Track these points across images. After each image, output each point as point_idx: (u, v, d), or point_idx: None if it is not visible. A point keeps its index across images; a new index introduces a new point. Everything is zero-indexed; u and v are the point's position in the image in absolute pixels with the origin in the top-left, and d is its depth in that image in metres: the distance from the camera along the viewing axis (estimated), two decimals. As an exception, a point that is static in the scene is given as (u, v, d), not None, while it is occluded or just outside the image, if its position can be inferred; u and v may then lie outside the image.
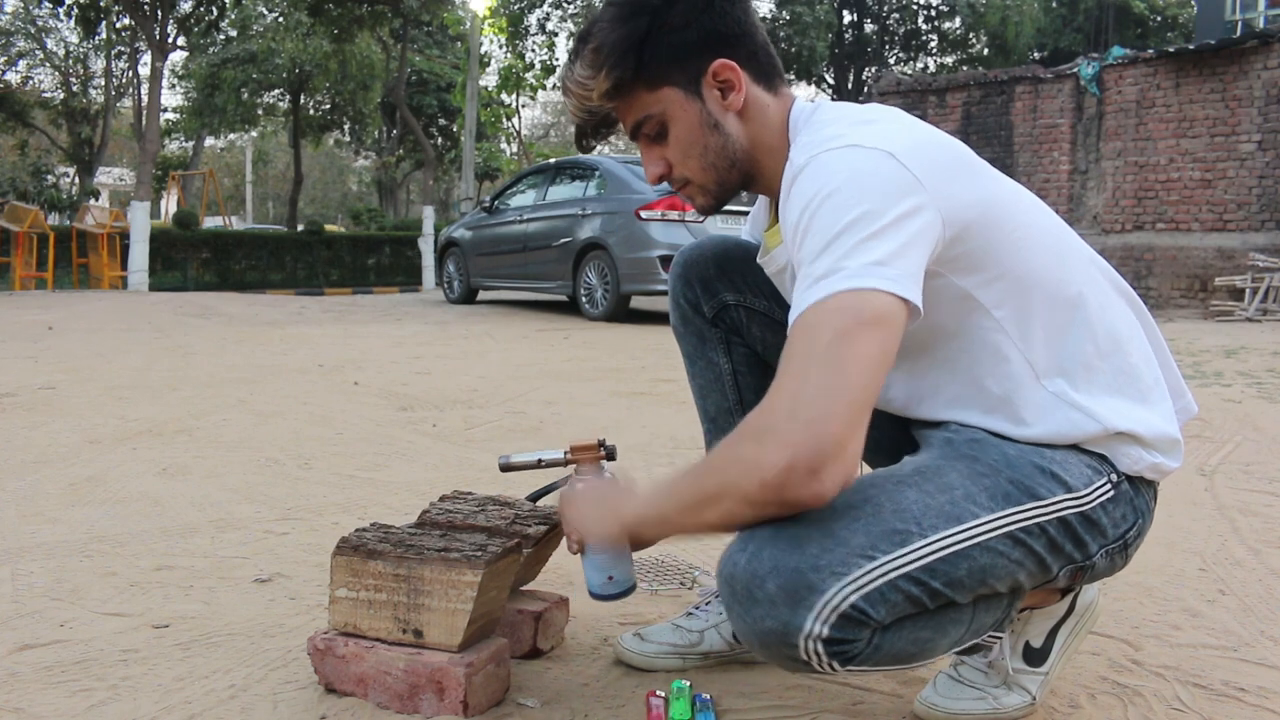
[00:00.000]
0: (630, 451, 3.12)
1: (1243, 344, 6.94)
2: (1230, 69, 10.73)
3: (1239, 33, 14.10)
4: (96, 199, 25.56)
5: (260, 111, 30.65)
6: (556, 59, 23.34)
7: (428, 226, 17.45)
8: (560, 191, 9.51)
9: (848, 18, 28.71)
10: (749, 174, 1.26)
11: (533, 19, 24.03)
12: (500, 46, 24.66)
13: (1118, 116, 11.61)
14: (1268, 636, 1.67)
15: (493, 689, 1.35)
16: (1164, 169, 11.28)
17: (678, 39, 1.19)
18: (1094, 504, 1.15)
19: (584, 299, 8.76)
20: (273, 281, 21.13)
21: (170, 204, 25.85)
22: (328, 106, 31.30)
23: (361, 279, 22.81)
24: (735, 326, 1.48)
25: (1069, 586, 1.28)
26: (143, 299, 10.92)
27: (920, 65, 30.08)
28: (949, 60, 29.70)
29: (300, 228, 26.40)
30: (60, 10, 16.48)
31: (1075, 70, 12.00)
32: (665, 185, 1.31)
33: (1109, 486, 1.17)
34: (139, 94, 28.18)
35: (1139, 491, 1.21)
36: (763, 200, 1.44)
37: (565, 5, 24.14)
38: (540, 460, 1.43)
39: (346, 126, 32.47)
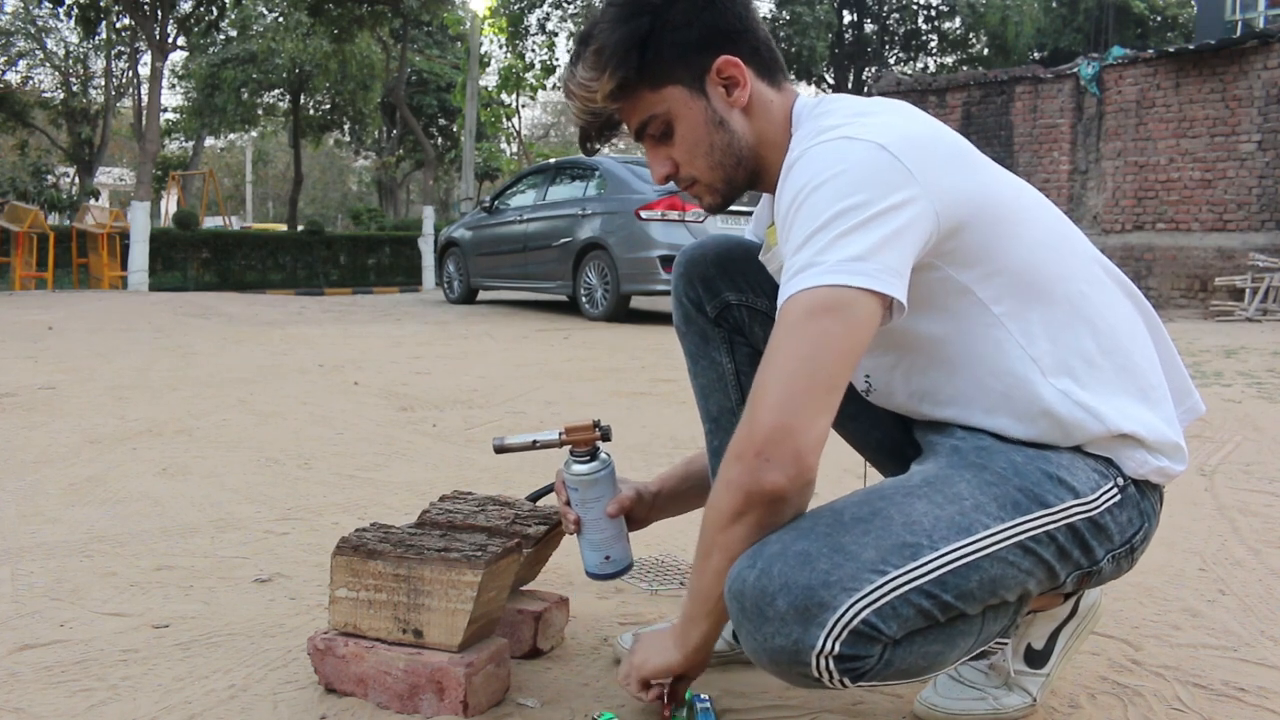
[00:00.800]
0: (630, 451, 3.12)
1: (1243, 344, 6.94)
2: (1230, 69, 10.73)
3: (1239, 33, 14.10)
4: (96, 199, 25.54)
5: (260, 111, 30.65)
6: (556, 59, 23.33)
7: (428, 226, 17.45)
8: (560, 191, 9.51)
9: (848, 18, 28.70)
10: (755, 170, 1.25)
11: (533, 19, 24.02)
12: (500, 46, 24.66)
13: (1118, 116, 11.61)
14: (1268, 636, 1.67)
15: (493, 689, 1.35)
16: (1164, 169, 11.27)
17: (680, 37, 1.18)
18: (1101, 509, 1.15)
19: (584, 299, 8.76)
20: (273, 281, 21.12)
21: (170, 204, 25.83)
22: (328, 106, 31.30)
23: (361, 279, 22.80)
24: (738, 326, 1.48)
25: (1073, 590, 1.27)
26: (143, 299, 10.92)
27: (920, 65, 30.08)
28: (949, 60, 29.69)
29: (300, 228, 26.41)
30: (60, 10, 16.47)
31: (1075, 70, 12.00)
32: (666, 185, 1.31)
33: (1115, 491, 1.16)
34: (139, 94, 28.17)
35: (1145, 495, 1.20)
36: (766, 198, 1.44)
37: (565, 5, 24.14)
38: (535, 441, 1.43)
39: (346, 126, 32.46)
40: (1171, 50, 11.38)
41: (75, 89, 29.79)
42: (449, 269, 10.94)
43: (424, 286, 16.89)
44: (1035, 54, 26.35)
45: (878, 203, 1.03)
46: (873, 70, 23.81)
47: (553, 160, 11.09)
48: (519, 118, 26.81)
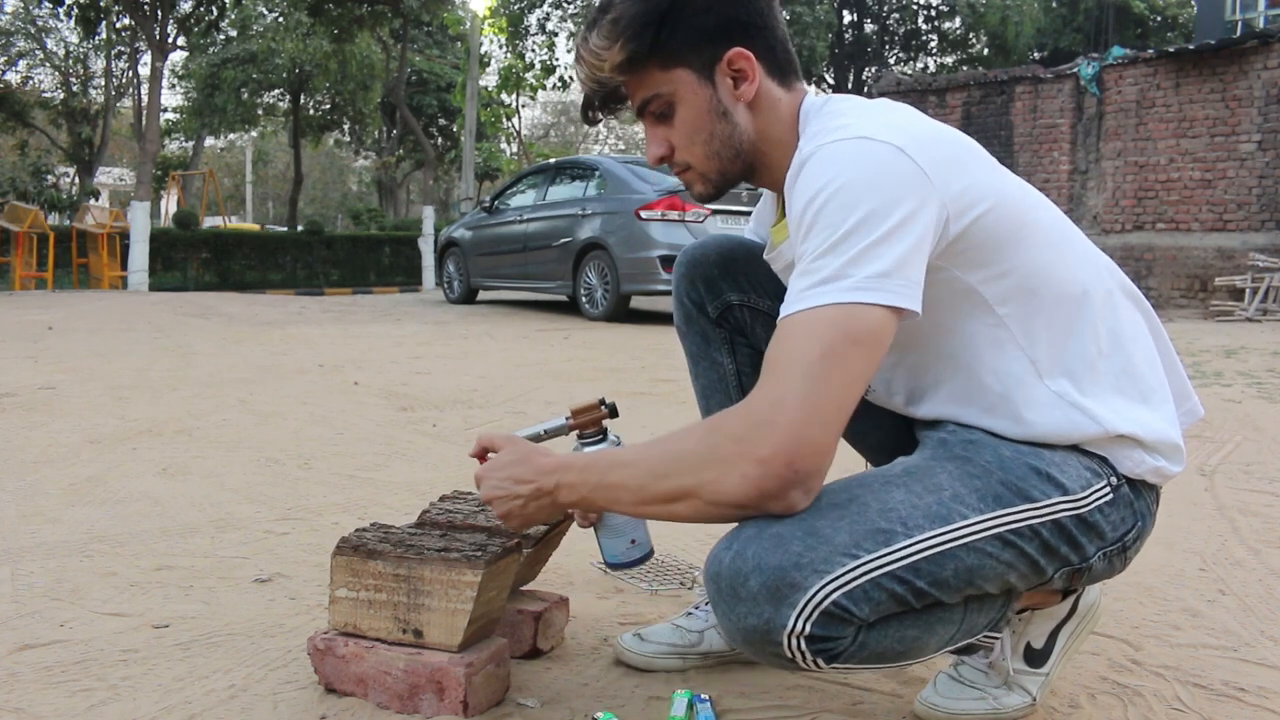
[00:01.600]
0: (630, 451, 3.12)
1: (1243, 344, 6.94)
2: (1230, 69, 10.73)
3: (1239, 33, 14.10)
4: (96, 199, 25.54)
5: (260, 111, 30.65)
6: (556, 59, 23.34)
7: (428, 226, 17.45)
8: (560, 191, 9.51)
9: (848, 18, 28.70)
10: (752, 166, 1.25)
11: (533, 19, 24.02)
12: (500, 46, 24.67)
13: (1118, 116, 11.62)
14: (1268, 636, 1.67)
15: (493, 689, 1.35)
16: (1164, 169, 11.28)
17: (698, 21, 1.18)
18: (1090, 506, 1.14)
19: (584, 299, 8.76)
20: (273, 281, 21.12)
21: (170, 204, 25.83)
22: (328, 106, 31.30)
23: (361, 279, 22.80)
24: (739, 326, 1.48)
25: (1069, 588, 1.27)
26: (143, 299, 10.92)
27: (920, 65, 30.08)
28: (949, 60, 29.69)
29: (300, 227, 26.41)
30: (60, 10, 16.47)
31: (1075, 70, 12.00)
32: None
33: (1107, 489, 1.16)
34: (139, 94, 28.18)
35: (1140, 495, 1.20)
36: (768, 196, 1.44)
37: (565, 5, 24.14)
38: (544, 431, 1.40)
39: (346, 126, 32.46)
40: (1171, 50, 11.38)
41: (75, 89, 29.79)
42: (449, 269, 10.95)
43: (424, 286, 16.89)
44: (1035, 54, 26.35)
45: (899, 209, 1.04)
46: (873, 70, 23.81)
47: (553, 160, 11.09)
48: (519, 118, 26.82)
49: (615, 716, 1.31)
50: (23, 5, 27.69)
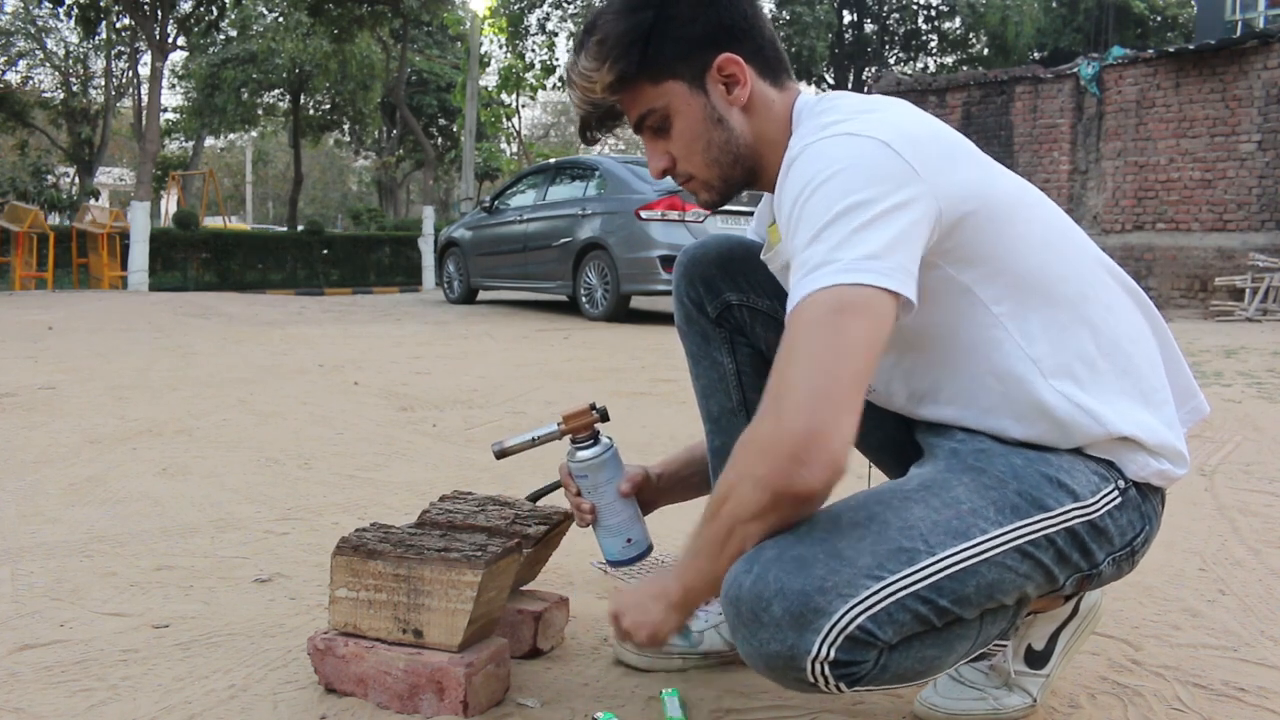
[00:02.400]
0: (630, 451, 3.10)
1: (1243, 344, 6.93)
2: (1230, 69, 10.73)
3: (1239, 33, 14.10)
4: (96, 199, 25.54)
5: (260, 111, 30.64)
6: (556, 59, 23.33)
7: (428, 226, 17.44)
8: (560, 191, 9.51)
9: (848, 18, 28.71)
10: (753, 169, 1.25)
11: (533, 19, 24.04)
12: (500, 46, 24.68)
13: (1118, 116, 11.62)
14: (1268, 636, 1.67)
15: (493, 689, 1.35)
16: (1164, 169, 11.28)
17: (683, 32, 1.18)
18: (1101, 512, 1.14)
19: (584, 299, 8.76)
20: (273, 281, 21.12)
21: (170, 204, 25.83)
22: (328, 106, 31.29)
23: (361, 279, 22.80)
24: (739, 326, 1.48)
25: (1074, 593, 1.27)
26: (143, 299, 10.92)
27: (920, 65, 30.08)
28: (949, 60, 29.69)
29: (300, 227, 26.41)
30: (60, 10, 16.47)
31: (1075, 70, 12.00)
32: (666, 185, 1.32)
33: (1116, 494, 1.16)
34: (139, 94, 28.18)
35: (1146, 498, 1.19)
36: (767, 197, 1.44)
37: (565, 5, 24.15)
38: (535, 439, 1.42)
39: (346, 126, 32.46)
40: (1171, 50, 11.38)
41: (75, 89, 29.79)
42: (449, 269, 10.94)
43: (424, 286, 16.89)
44: (1035, 54, 26.34)
45: (885, 200, 1.03)
46: (873, 70, 23.80)
47: (553, 160, 11.09)
48: (519, 118, 26.82)
49: (615, 716, 1.31)
50: (23, 5, 27.69)
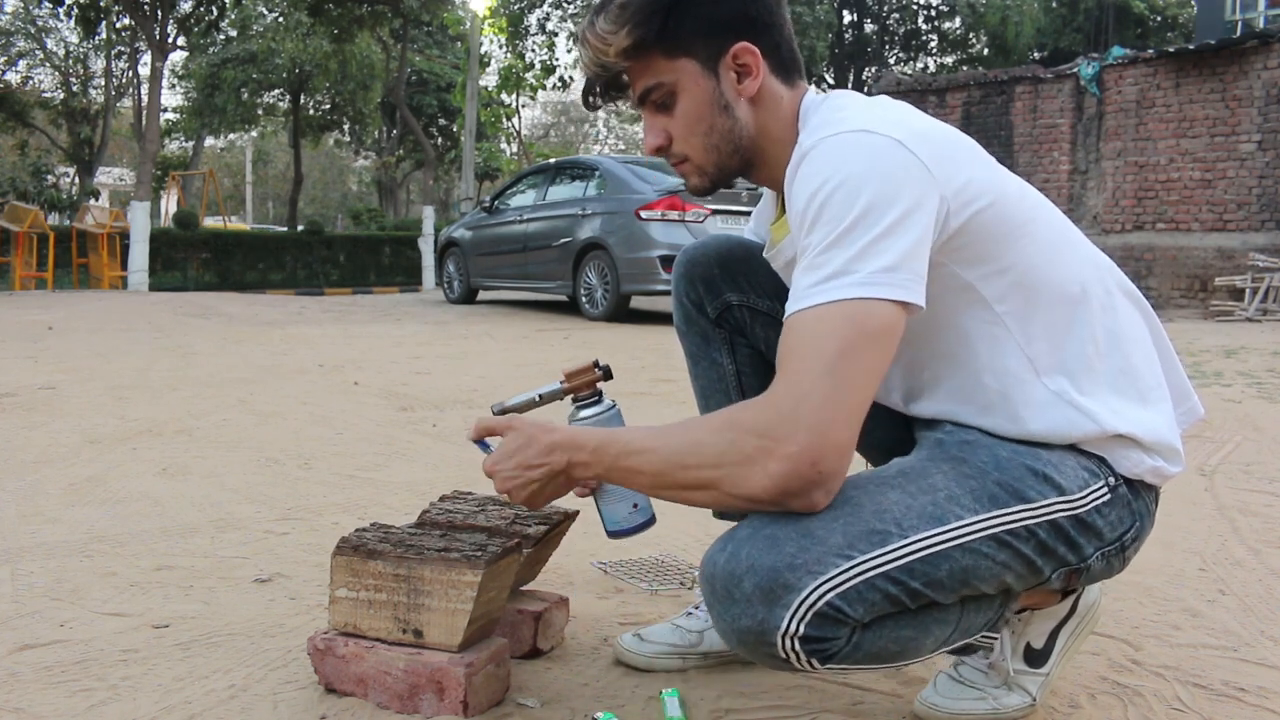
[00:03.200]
0: (630, 451, 3.12)
1: (1243, 344, 6.93)
2: (1230, 69, 10.73)
3: (1239, 33, 14.10)
4: (96, 199, 25.53)
5: (260, 111, 30.65)
6: (556, 59, 23.34)
7: (428, 226, 17.45)
8: (560, 191, 9.51)
9: (848, 18, 28.70)
10: (750, 162, 1.24)
11: (533, 19, 24.02)
12: (500, 46, 24.67)
13: (1118, 116, 11.61)
14: (1268, 636, 1.67)
15: (493, 689, 1.35)
16: (1164, 169, 11.27)
17: (707, 12, 1.18)
18: (1088, 507, 1.14)
19: (584, 299, 8.76)
20: (273, 281, 21.12)
21: (170, 204, 25.83)
22: (328, 106, 31.30)
23: (361, 279, 22.80)
24: (739, 327, 1.48)
25: (1068, 588, 1.27)
26: (143, 299, 10.92)
27: (920, 65, 30.08)
28: (949, 60, 29.69)
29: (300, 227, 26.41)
30: (60, 10, 16.47)
31: (1075, 70, 12.00)
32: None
33: (1105, 490, 1.16)
34: (139, 94, 28.18)
35: (1138, 495, 1.20)
36: (769, 194, 1.43)
37: (565, 5, 24.14)
38: (539, 396, 1.37)
39: (346, 126, 32.46)
40: (1171, 50, 11.38)
41: (75, 89, 29.79)
42: (449, 269, 10.95)
43: (424, 286, 16.89)
44: (1035, 54, 26.34)
45: (901, 202, 1.04)
46: (873, 70, 23.82)
47: (553, 160, 11.09)
48: (519, 118, 26.83)
49: (615, 716, 1.31)
50: (23, 5, 27.69)
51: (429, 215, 17.80)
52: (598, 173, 9.06)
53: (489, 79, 24.86)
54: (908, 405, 1.28)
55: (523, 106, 29.50)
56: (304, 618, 1.69)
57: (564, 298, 9.71)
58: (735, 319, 1.47)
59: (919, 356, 1.22)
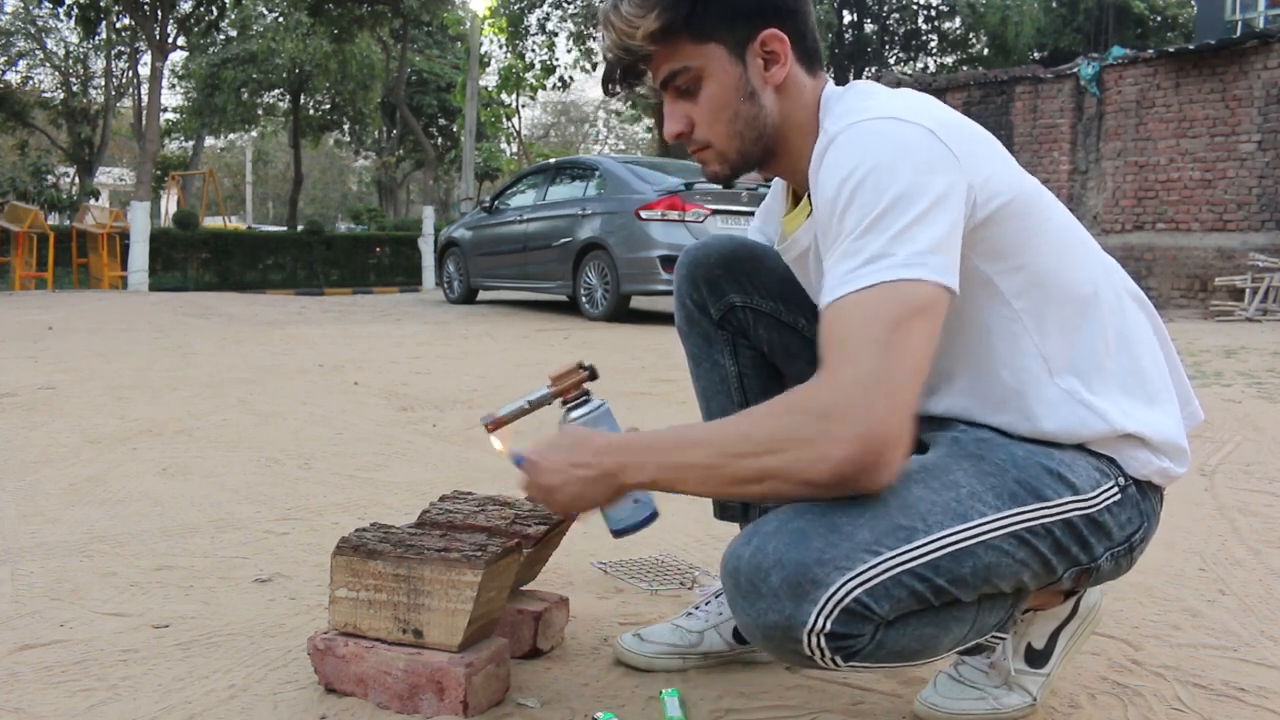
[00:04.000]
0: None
1: (1243, 344, 6.93)
2: (1230, 69, 10.73)
3: (1239, 33, 14.10)
4: (96, 199, 25.53)
5: (260, 111, 30.67)
6: (556, 59, 23.33)
7: (428, 226, 17.44)
8: (560, 191, 9.51)
9: (848, 18, 28.70)
10: (772, 150, 1.23)
11: (533, 19, 24.00)
12: (500, 46, 24.65)
13: (1118, 116, 11.61)
14: (1268, 636, 1.67)
15: (493, 689, 1.35)
16: (1164, 169, 11.27)
17: None
18: (1100, 507, 1.15)
19: (584, 299, 8.76)
20: (273, 281, 21.11)
21: (170, 204, 25.83)
22: (328, 106, 31.30)
23: (361, 279, 22.80)
24: (742, 328, 1.47)
25: (1073, 589, 1.27)
26: (143, 299, 10.92)
27: (920, 65, 30.07)
28: (949, 60, 29.68)
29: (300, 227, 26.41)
30: (60, 10, 16.48)
31: (1075, 70, 12.00)
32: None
33: (1116, 490, 1.16)
34: (139, 94, 28.20)
35: (1145, 496, 1.20)
36: (779, 186, 1.42)
37: (565, 5, 24.13)
38: (528, 403, 1.36)
39: (346, 126, 32.47)
40: (1171, 50, 11.38)
41: (75, 89, 29.79)
42: (449, 269, 10.94)
43: (424, 286, 16.88)
44: (1035, 54, 26.33)
45: (933, 189, 1.03)
46: (873, 70, 23.81)
47: (553, 160, 11.09)
48: (519, 118, 26.85)
49: (615, 716, 1.31)
50: (23, 5, 27.70)
51: (429, 215, 17.80)
52: (598, 173, 9.06)
53: (489, 79, 24.86)
54: (921, 401, 1.27)
55: (523, 106, 29.53)
56: (304, 618, 1.69)
57: (564, 298, 9.71)
58: (738, 320, 1.47)
59: (938, 349, 1.22)
